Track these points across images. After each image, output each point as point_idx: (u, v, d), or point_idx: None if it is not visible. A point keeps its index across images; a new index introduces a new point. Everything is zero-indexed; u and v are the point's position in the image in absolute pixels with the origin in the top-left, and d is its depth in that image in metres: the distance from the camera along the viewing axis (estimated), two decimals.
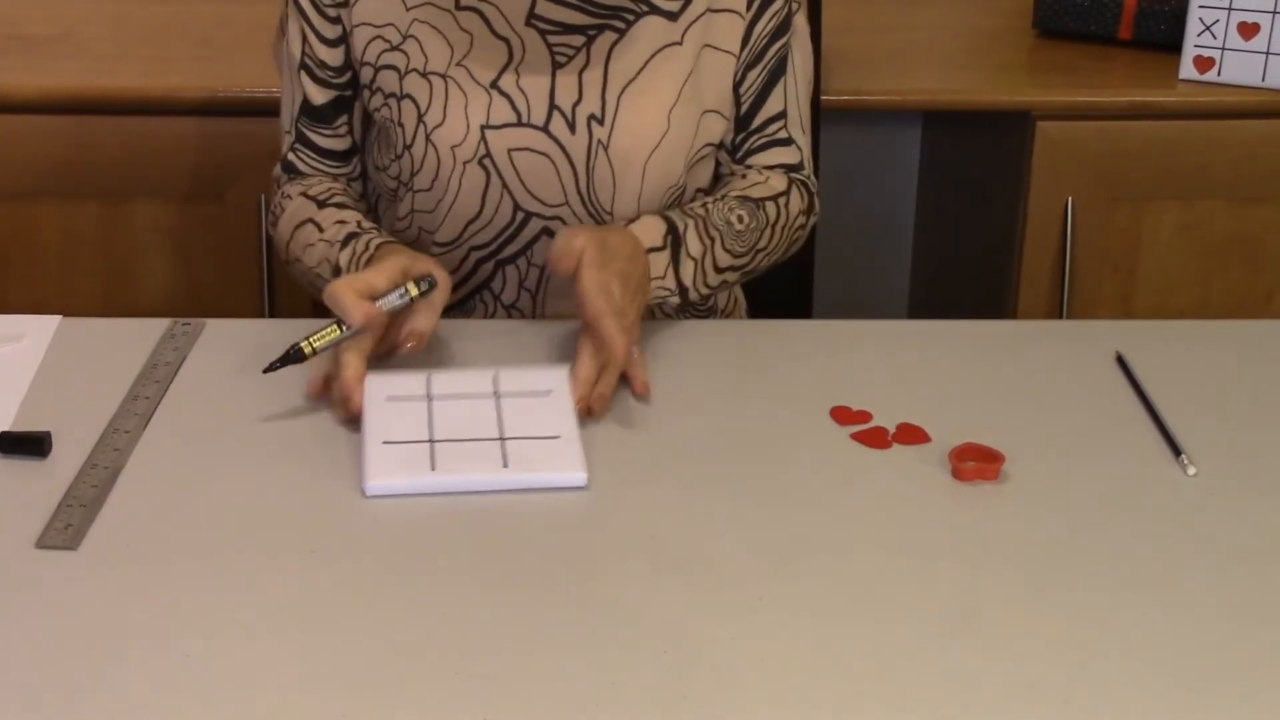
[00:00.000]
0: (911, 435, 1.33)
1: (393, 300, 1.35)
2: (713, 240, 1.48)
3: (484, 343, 1.46)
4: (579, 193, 1.50)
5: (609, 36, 1.49)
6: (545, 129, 1.50)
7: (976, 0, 2.41)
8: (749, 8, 1.52)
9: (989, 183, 2.26)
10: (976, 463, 1.28)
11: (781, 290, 1.87)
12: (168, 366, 1.41)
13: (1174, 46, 2.11)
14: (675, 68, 1.51)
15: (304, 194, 1.56)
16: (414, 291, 1.35)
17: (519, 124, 1.50)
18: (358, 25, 1.51)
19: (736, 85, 1.55)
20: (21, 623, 1.09)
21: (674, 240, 1.46)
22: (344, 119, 1.57)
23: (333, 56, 1.53)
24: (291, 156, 1.59)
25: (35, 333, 1.47)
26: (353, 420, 1.30)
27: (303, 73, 1.54)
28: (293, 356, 1.33)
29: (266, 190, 2.04)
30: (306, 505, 1.23)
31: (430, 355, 1.42)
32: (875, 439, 1.32)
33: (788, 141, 1.59)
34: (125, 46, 2.17)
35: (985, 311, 2.24)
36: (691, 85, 1.52)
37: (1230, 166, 2.07)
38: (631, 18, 1.49)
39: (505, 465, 1.25)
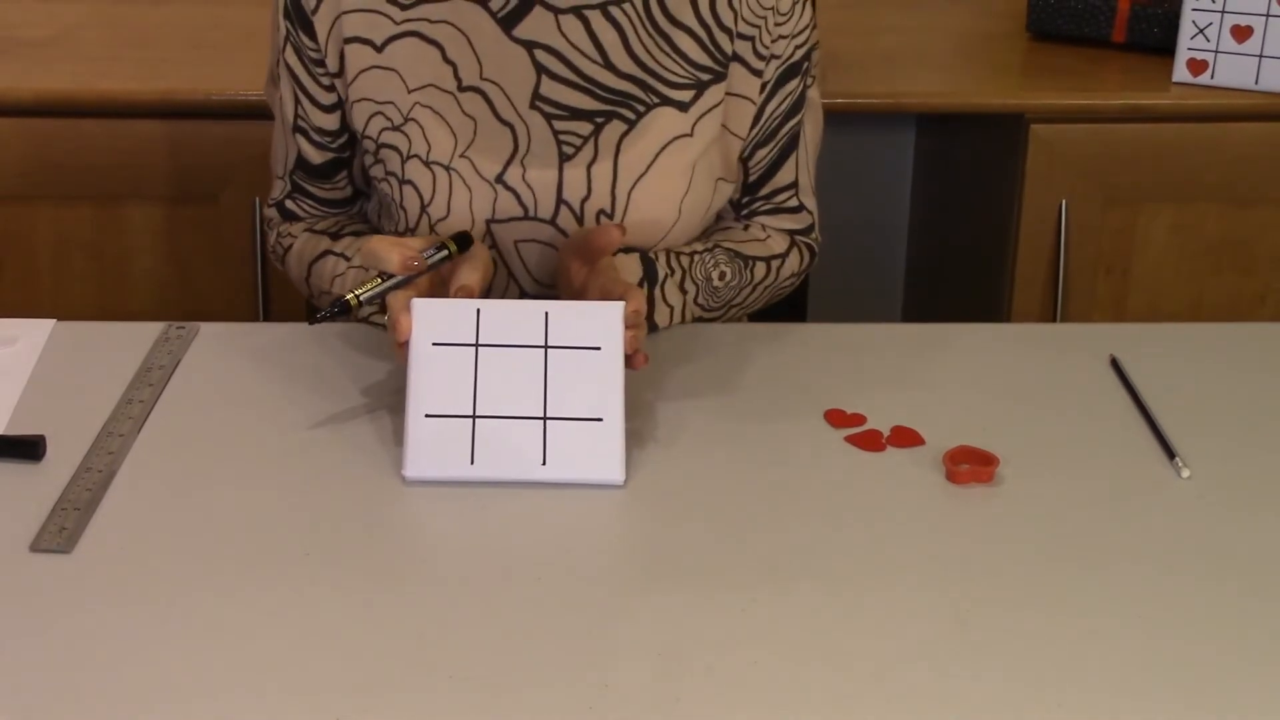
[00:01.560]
0: (906, 438, 1.33)
1: (430, 253, 1.33)
2: (685, 295, 1.47)
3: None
4: None
5: (618, 127, 1.46)
6: (553, 222, 1.47)
7: (970, 3, 2.41)
8: (760, 92, 1.50)
9: (983, 186, 2.27)
10: (971, 466, 1.28)
11: None
12: (162, 370, 1.41)
13: (1167, 49, 2.11)
14: (687, 158, 1.48)
15: (309, 230, 1.55)
16: (452, 247, 1.34)
17: (525, 218, 1.47)
18: (357, 101, 1.47)
19: (745, 159, 1.53)
20: (16, 626, 1.09)
21: (649, 283, 1.45)
22: (343, 174, 1.55)
23: (328, 121, 1.51)
24: (290, 204, 1.57)
25: (29, 336, 1.46)
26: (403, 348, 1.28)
27: (298, 135, 1.52)
28: (339, 308, 1.31)
29: (261, 193, 2.04)
30: (300, 508, 1.23)
31: None
32: (870, 442, 1.32)
33: (797, 209, 1.57)
34: (118, 49, 2.17)
35: (979, 314, 2.24)
36: (703, 164, 1.49)
37: (1224, 169, 2.07)
38: (641, 108, 1.46)
39: (544, 464, 1.25)
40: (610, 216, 1.47)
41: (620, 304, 1.28)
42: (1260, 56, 2.04)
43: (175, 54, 2.15)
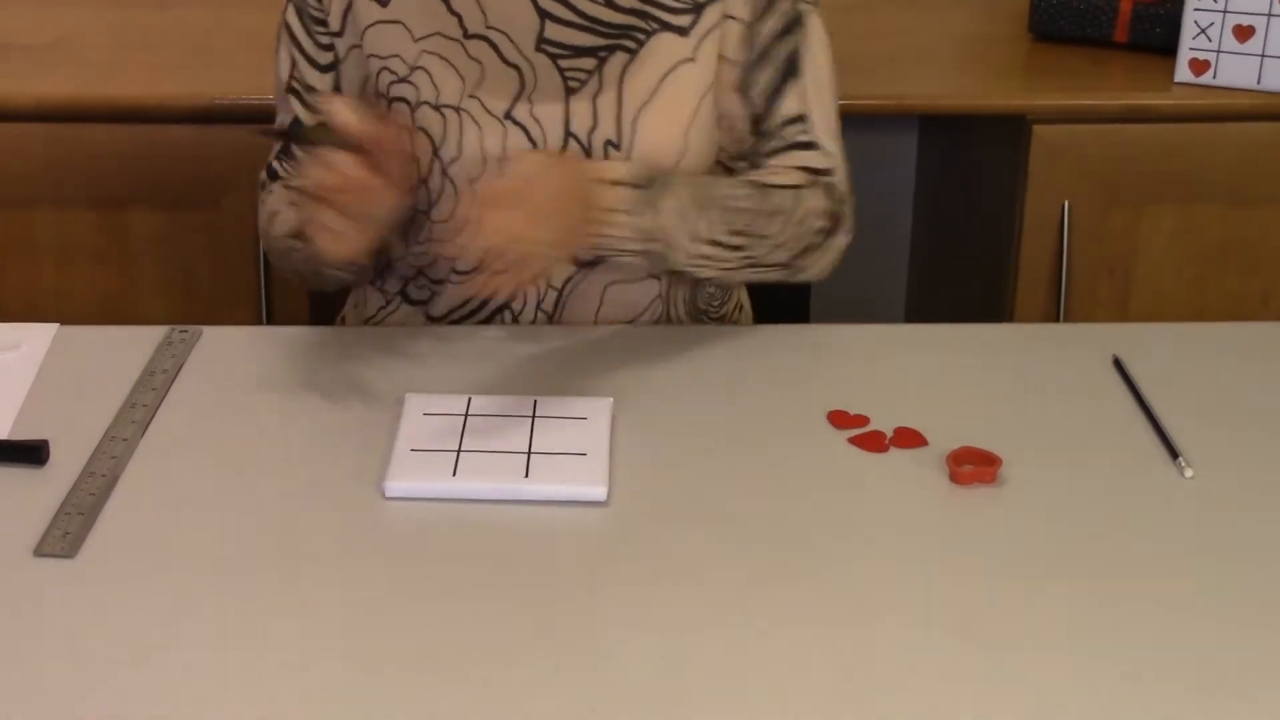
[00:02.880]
0: (909, 439, 1.33)
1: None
2: (703, 207, 1.40)
3: (506, 349, 1.46)
4: None
5: (621, 58, 1.47)
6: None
7: (972, 5, 2.41)
8: (751, 11, 1.48)
9: (985, 187, 2.26)
10: (974, 466, 1.28)
11: (779, 295, 1.87)
12: (165, 374, 1.41)
13: (1169, 49, 2.11)
14: (691, 84, 1.48)
15: (285, 188, 1.54)
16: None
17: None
18: (369, 56, 1.48)
19: (746, 88, 1.50)
20: (20, 631, 1.09)
21: (655, 187, 1.38)
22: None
23: (322, 82, 1.51)
24: (275, 164, 1.56)
25: (32, 341, 1.47)
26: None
27: (291, 97, 1.53)
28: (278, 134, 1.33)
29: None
30: (304, 513, 1.23)
31: (453, 361, 1.43)
32: (873, 443, 1.32)
33: (811, 145, 1.50)
34: (120, 54, 2.17)
35: (982, 315, 2.24)
36: (710, 100, 1.49)
37: (1226, 169, 2.07)
38: (643, 36, 1.47)
39: (526, 476, 1.25)
40: (617, 147, 1.47)
41: (608, 398, 1.33)
42: (1262, 56, 2.04)
43: (177, 59, 2.15)
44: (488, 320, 1.54)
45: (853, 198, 1.54)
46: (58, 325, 1.49)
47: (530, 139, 1.47)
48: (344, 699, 1.03)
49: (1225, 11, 2.04)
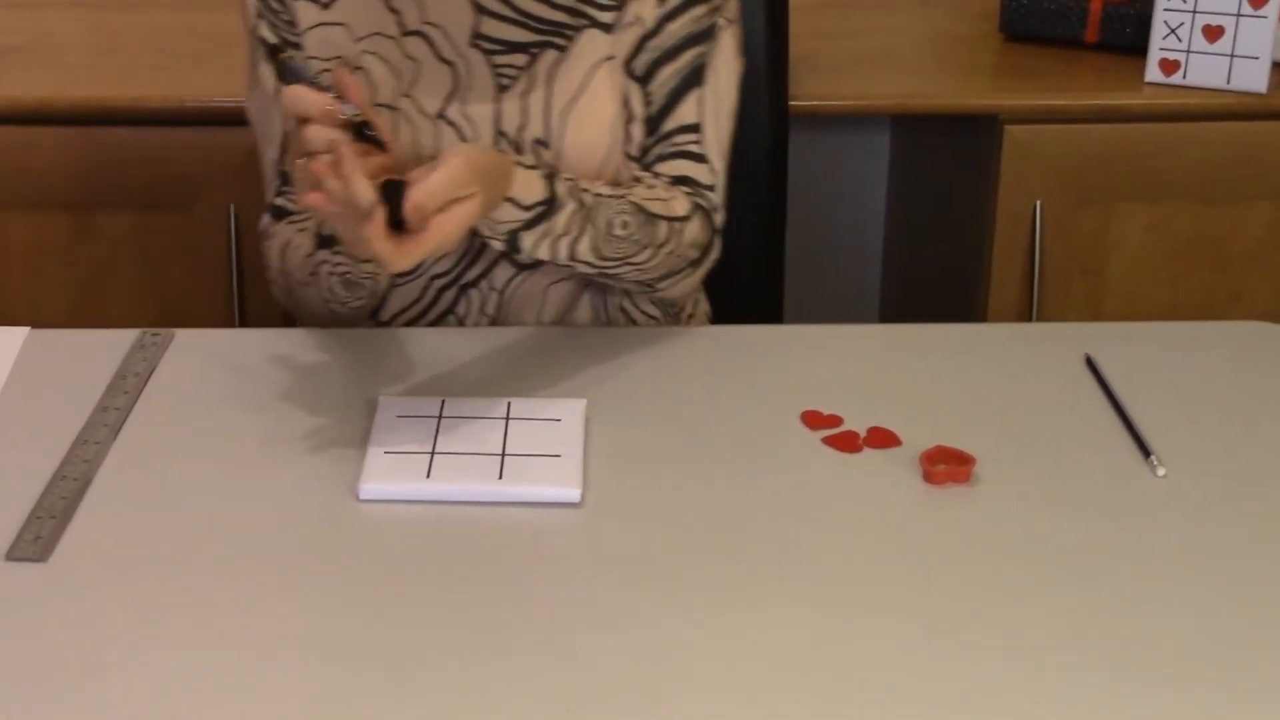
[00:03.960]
0: (883, 439, 1.33)
1: (351, 110, 1.26)
2: (582, 234, 1.41)
3: (479, 351, 1.46)
4: None
5: (551, 56, 1.48)
6: None
7: (943, 5, 2.41)
8: (660, 4, 1.48)
9: (957, 187, 2.27)
10: (948, 466, 1.28)
11: (752, 295, 1.87)
12: (137, 377, 1.41)
13: (1140, 49, 2.11)
14: (614, 81, 1.49)
15: (290, 224, 1.51)
16: (369, 130, 1.28)
17: None
18: (308, 58, 1.48)
19: (645, 77, 1.49)
20: None
21: (542, 214, 1.38)
22: None
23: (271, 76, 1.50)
24: (280, 201, 1.54)
25: (3, 345, 1.46)
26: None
27: (279, 108, 1.49)
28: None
29: (235, 200, 2.04)
30: (278, 515, 1.22)
31: (426, 363, 1.42)
32: (846, 443, 1.33)
33: (700, 158, 1.51)
34: (91, 57, 2.16)
35: (955, 315, 2.25)
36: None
37: (1196, 168, 2.08)
38: (571, 33, 1.48)
39: (500, 477, 1.25)
40: (545, 145, 1.48)
41: (581, 399, 1.34)
42: (1231, 56, 2.05)
43: (148, 61, 2.14)
44: (434, 324, 1.54)
45: (726, 218, 1.55)
46: (29, 329, 1.49)
47: (462, 137, 1.48)
48: (319, 701, 1.03)
49: (1195, 12, 2.05)
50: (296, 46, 1.49)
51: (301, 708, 1.03)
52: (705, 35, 1.50)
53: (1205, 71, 2.07)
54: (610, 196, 1.44)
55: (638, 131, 1.51)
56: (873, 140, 2.64)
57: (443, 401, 1.35)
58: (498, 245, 1.39)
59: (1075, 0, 2.18)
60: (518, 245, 1.38)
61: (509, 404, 1.35)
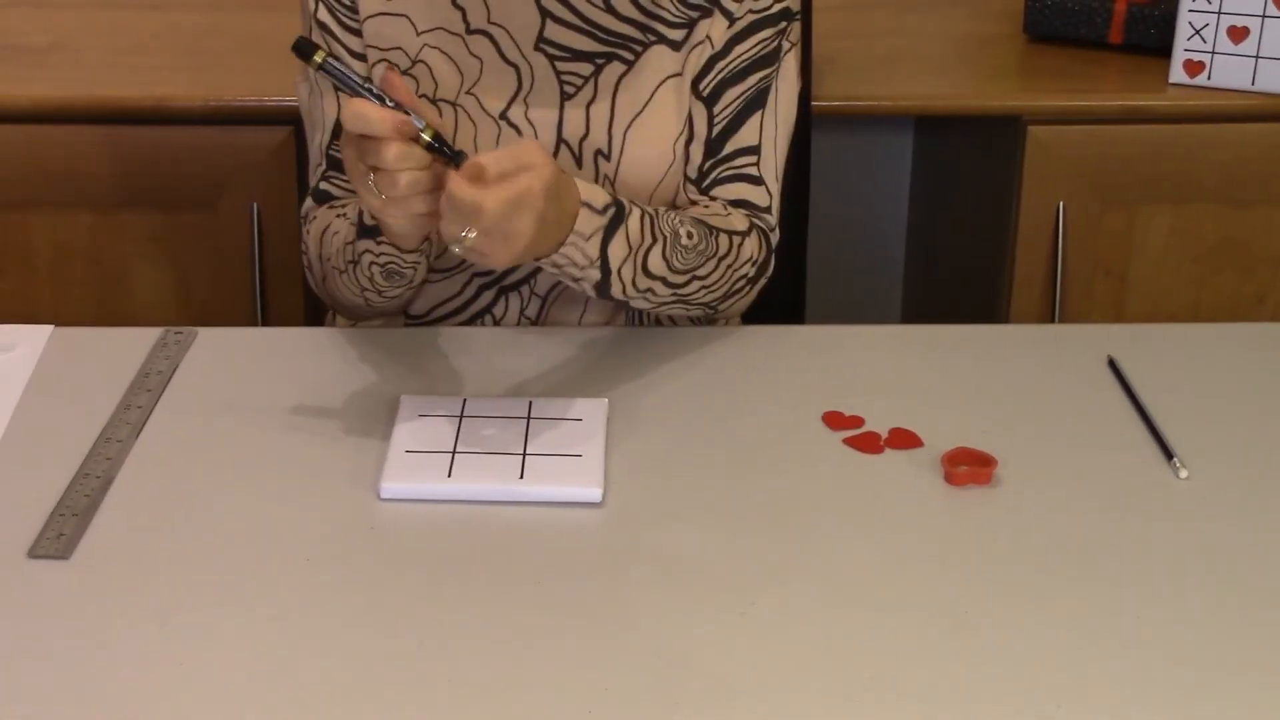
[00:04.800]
0: (904, 440, 1.33)
1: (422, 125, 1.24)
2: (655, 241, 1.40)
3: (501, 350, 1.46)
4: None
5: (617, 68, 1.47)
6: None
7: (967, 5, 2.41)
8: (729, 26, 1.48)
9: (981, 188, 2.27)
10: (969, 467, 1.28)
11: (774, 295, 1.87)
12: (160, 375, 1.41)
13: (1164, 50, 2.11)
14: (679, 99, 1.49)
15: (330, 209, 1.50)
16: (445, 148, 1.26)
17: None
18: (368, 47, 1.48)
19: (711, 98, 1.49)
20: (14, 632, 1.09)
21: (616, 214, 1.37)
22: None
23: (360, 69, 1.48)
24: (324, 185, 1.52)
25: (27, 342, 1.46)
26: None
27: (336, 91, 1.48)
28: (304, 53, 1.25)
29: (258, 199, 2.05)
30: (299, 513, 1.23)
31: (447, 362, 1.42)
32: (868, 444, 1.32)
33: (758, 180, 1.52)
34: (116, 56, 2.17)
35: (977, 316, 2.24)
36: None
37: (1221, 170, 2.07)
38: (639, 48, 1.47)
39: (521, 477, 1.25)
40: (606, 157, 1.47)
41: (603, 398, 1.35)
42: (1257, 57, 2.04)
43: (172, 61, 2.15)
44: (469, 322, 1.54)
45: (780, 239, 1.55)
46: (53, 327, 1.49)
47: None
48: (339, 699, 1.03)
49: (1220, 13, 2.05)
50: (355, 33, 1.48)
51: (321, 706, 1.03)
52: (771, 58, 1.51)
53: (1230, 72, 2.06)
54: (667, 211, 1.44)
55: (697, 152, 1.51)
56: (896, 141, 2.63)
57: (464, 401, 1.36)
58: (592, 276, 1.36)
59: (1100, 1, 2.17)
60: (608, 264, 1.36)
61: (530, 403, 1.35)
